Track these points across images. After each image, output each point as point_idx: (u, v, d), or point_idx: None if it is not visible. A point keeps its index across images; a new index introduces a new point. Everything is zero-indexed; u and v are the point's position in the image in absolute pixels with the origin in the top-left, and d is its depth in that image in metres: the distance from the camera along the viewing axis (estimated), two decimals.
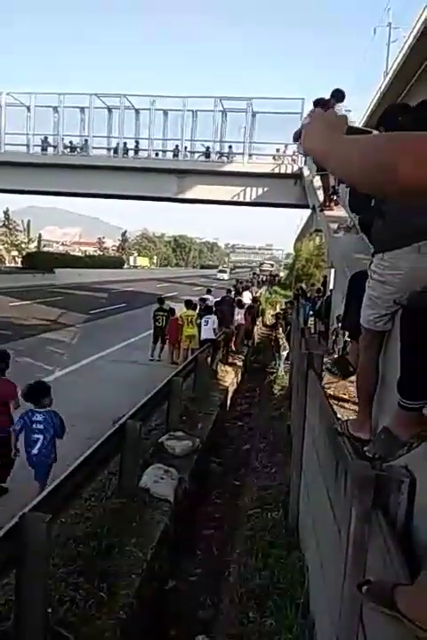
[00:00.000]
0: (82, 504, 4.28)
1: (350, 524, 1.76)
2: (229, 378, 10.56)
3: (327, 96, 7.44)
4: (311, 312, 15.59)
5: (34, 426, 4.57)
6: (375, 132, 1.03)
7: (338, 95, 7.49)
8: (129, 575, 3.56)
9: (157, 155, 21.95)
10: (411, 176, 0.76)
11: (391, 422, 1.97)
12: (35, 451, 4.54)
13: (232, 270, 77.01)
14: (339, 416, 3.65)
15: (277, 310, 20.50)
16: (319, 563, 2.81)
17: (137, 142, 21.97)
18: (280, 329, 12.97)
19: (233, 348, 13.03)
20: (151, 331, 12.04)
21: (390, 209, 2.14)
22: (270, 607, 3.15)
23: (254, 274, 52.80)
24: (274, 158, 20.71)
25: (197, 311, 11.81)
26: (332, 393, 5.66)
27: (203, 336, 10.89)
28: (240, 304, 14.72)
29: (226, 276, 59.46)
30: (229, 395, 9.81)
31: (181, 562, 4.53)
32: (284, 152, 20.67)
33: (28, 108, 21.98)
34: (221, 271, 66.43)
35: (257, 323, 17.78)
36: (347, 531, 1.82)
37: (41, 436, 4.56)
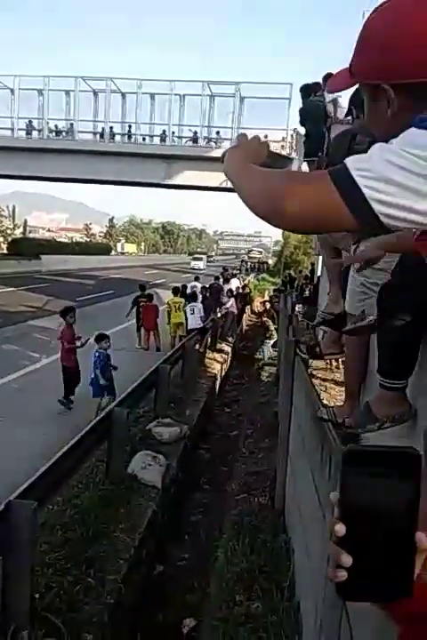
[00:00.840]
0: (69, 491, 4.28)
1: (335, 509, 1.78)
2: (218, 365, 10.58)
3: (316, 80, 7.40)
4: (299, 299, 15.67)
5: (98, 355, 6.69)
6: (295, 159, 1.04)
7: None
8: (117, 561, 3.58)
9: (144, 140, 21.68)
10: (295, 217, 0.80)
11: (373, 399, 1.99)
12: (92, 375, 6.64)
13: (210, 258, 65.82)
14: (325, 402, 3.70)
15: (266, 298, 20.58)
16: (305, 546, 2.85)
17: (130, 127, 21.61)
18: (268, 316, 13.03)
19: (221, 335, 13.03)
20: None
21: None
22: (257, 590, 3.19)
23: (243, 261, 52.68)
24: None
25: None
26: (321, 376, 5.69)
27: (190, 325, 10.88)
28: (231, 292, 14.74)
29: (202, 265, 47.15)
30: (218, 382, 9.85)
31: (168, 547, 4.57)
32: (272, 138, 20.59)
33: (12, 91, 21.52)
34: (195, 259, 51.26)
35: (246, 310, 17.80)
36: (332, 515, 1.84)
37: (100, 366, 6.64)
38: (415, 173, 0.70)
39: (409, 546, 0.53)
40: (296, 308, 10.72)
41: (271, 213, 0.85)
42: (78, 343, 7.23)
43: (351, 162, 0.75)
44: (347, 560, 0.52)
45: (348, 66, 0.98)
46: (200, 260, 50.41)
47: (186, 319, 11.11)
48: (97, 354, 6.68)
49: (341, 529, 0.53)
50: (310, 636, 2.32)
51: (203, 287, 14.07)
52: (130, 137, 21.76)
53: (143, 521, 4.16)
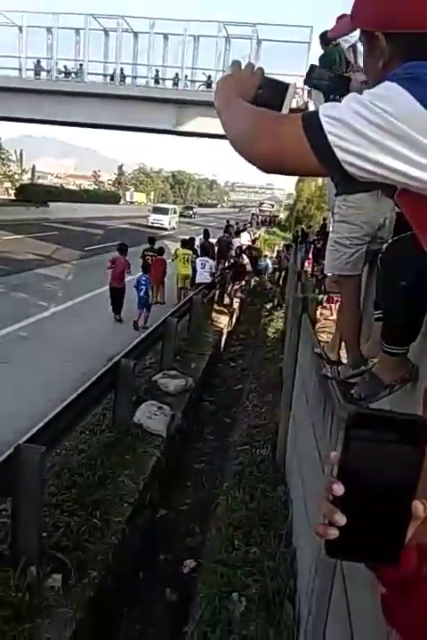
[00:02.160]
0: (77, 437, 4.40)
1: (334, 463, 1.82)
2: (224, 320, 10.61)
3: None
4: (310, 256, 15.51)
5: (142, 281, 9.25)
6: (292, 83, 1.04)
7: None
8: (121, 504, 3.72)
9: (156, 83, 20.93)
10: (265, 157, 0.84)
11: (376, 366, 2.04)
12: (142, 294, 9.14)
13: (189, 211, 52.86)
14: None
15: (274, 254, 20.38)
16: (303, 497, 2.93)
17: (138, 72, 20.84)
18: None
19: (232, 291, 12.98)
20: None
21: None
22: (255, 537, 3.32)
23: (253, 214, 51.71)
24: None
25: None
26: (325, 337, 5.70)
27: (198, 279, 10.83)
28: (241, 249, 14.54)
29: (166, 222, 32.93)
30: (224, 336, 9.90)
31: (171, 493, 4.73)
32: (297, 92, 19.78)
33: (20, 29, 20.69)
34: (157, 211, 35.21)
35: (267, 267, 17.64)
36: (330, 469, 1.88)
37: (144, 288, 9.18)
38: (377, 125, 0.71)
39: (405, 513, 0.53)
40: (305, 265, 10.62)
41: (244, 152, 0.88)
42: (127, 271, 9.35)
43: (323, 108, 0.76)
44: (341, 519, 0.53)
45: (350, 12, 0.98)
46: (165, 213, 34.16)
47: (194, 272, 11.04)
48: (144, 279, 9.37)
49: (339, 489, 0.53)
50: (305, 580, 2.43)
51: (205, 241, 13.11)
52: (135, 78, 21.00)
53: (148, 467, 4.29)
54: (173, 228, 33.13)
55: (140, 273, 9.60)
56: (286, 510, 3.51)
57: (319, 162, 0.77)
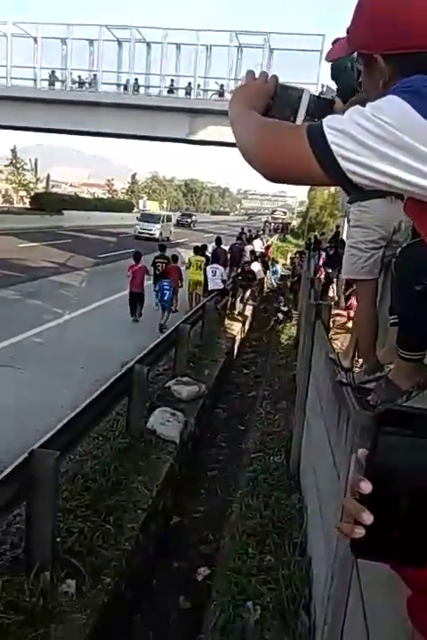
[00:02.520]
0: (90, 442, 4.42)
1: (349, 471, 1.79)
2: (237, 326, 10.60)
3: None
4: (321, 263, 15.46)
5: (165, 286, 9.89)
6: (306, 90, 1.05)
7: None
8: (135, 510, 3.72)
9: (169, 92, 21.14)
10: (270, 166, 0.89)
11: (392, 372, 2.03)
12: (165, 298, 9.84)
13: (188, 219, 47.21)
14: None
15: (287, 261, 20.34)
16: (318, 505, 2.89)
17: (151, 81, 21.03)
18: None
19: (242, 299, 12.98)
20: None
21: None
22: (269, 545, 3.28)
23: (266, 221, 51.68)
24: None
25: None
26: (339, 345, 5.66)
27: (210, 286, 10.84)
28: (254, 255, 14.52)
29: (156, 231, 27.97)
30: (237, 343, 9.88)
31: (185, 500, 4.71)
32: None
33: (35, 40, 21.09)
34: (145, 219, 30.07)
35: (267, 272, 17.63)
36: (346, 476, 1.86)
37: (168, 292, 9.87)
38: (378, 135, 0.74)
39: None
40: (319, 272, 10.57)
41: (251, 161, 0.91)
42: (147, 276, 10.26)
43: (327, 120, 0.80)
44: (368, 518, 0.52)
45: (346, 34, 1.01)
46: (154, 221, 28.99)
47: (206, 279, 11.06)
48: (166, 284, 10.00)
49: (367, 487, 0.52)
50: (321, 588, 2.39)
51: (217, 248, 13.10)
52: (148, 88, 21.22)
53: (161, 474, 4.29)
54: (168, 239, 27.71)
55: (159, 280, 10.33)
56: (301, 518, 3.48)
57: (324, 172, 0.80)
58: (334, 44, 1.09)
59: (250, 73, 1.07)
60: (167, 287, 9.95)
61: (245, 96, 1.02)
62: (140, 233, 27.77)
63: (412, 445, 0.52)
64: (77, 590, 2.87)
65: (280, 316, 11.99)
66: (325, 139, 0.79)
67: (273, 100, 1.04)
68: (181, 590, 3.59)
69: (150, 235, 27.31)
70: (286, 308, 12.35)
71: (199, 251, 11.86)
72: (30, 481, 2.85)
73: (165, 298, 9.88)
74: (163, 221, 29.84)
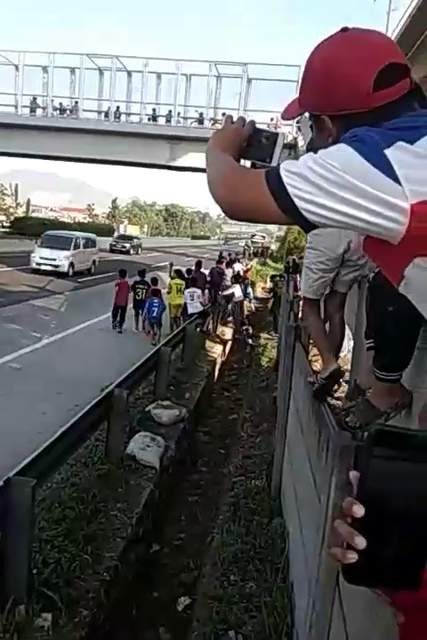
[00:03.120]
0: (68, 469, 4.32)
1: (330, 492, 1.80)
2: (218, 349, 10.60)
3: None
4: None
5: (154, 303, 10.32)
6: (281, 133, 1.14)
7: None
8: (114, 539, 3.63)
9: (149, 120, 21.44)
10: (231, 205, 0.98)
11: (371, 393, 2.07)
12: (155, 315, 10.27)
13: (117, 243, 35.55)
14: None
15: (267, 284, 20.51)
16: (299, 529, 2.87)
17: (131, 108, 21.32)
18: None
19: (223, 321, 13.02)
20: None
21: None
22: (251, 571, 3.24)
23: (246, 245, 52.20)
24: (268, 127, 20.37)
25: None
26: (319, 366, 5.70)
27: (189, 310, 10.87)
28: (237, 278, 14.57)
29: (58, 260, 18.73)
30: (217, 366, 9.87)
31: (165, 527, 4.62)
32: (277, 121, 20.32)
33: (17, 67, 21.25)
34: (49, 240, 19.54)
35: (249, 296, 17.75)
36: (327, 498, 1.86)
37: (156, 309, 10.25)
38: (326, 177, 0.82)
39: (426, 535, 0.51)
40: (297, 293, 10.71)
41: (216, 198, 1.00)
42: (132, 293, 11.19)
43: (283, 165, 0.89)
44: (361, 542, 0.51)
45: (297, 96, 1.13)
46: (63, 246, 19.41)
47: (185, 304, 11.10)
48: (156, 302, 10.39)
49: (359, 511, 0.51)
50: (303, 614, 2.36)
51: (196, 272, 13.05)
52: (129, 115, 21.49)
53: (141, 500, 4.21)
54: (89, 271, 20.12)
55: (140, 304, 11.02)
56: (283, 543, 3.44)
57: (282, 211, 0.87)
58: (291, 104, 1.18)
59: (228, 117, 1.15)
60: (156, 304, 10.38)
61: (222, 139, 1.11)
62: (38, 265, 18.52)
63: (405, 467, 0.51)
64: (54, 624, 2.77)
65: (250, 340, 12.17)
66: (281, 181, 0.86)
67: (250, 143, 1.11)
68: (161, 621, 3.50)
69: (54, 268, 18.38)
70: (252, 335, 12.61)
71: (180, 274, 11.91)
72: (5, 510, 2.76)
73: (155, 314, 10.31)
74: (76, 247, 19.68)
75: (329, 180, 0.82)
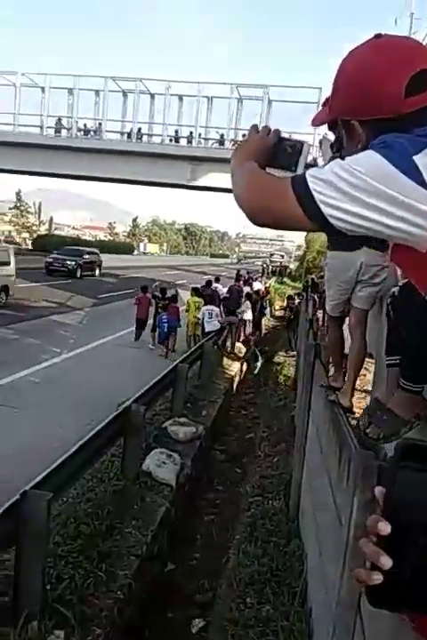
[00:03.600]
0: (84, 484, 4.30)
1: (352, 513, 1.74)
2: (235, 367, 10.55)
3: None
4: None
5: (163, 319, 10.84)
6: (306, 143, 1.13)
7: None
8: (128, 556, 3.58)
9: (171, 141, 21.83)
10: (257, 211, 0.98)
11: (392, 403, 2.06)
12: (164, 330, 10.84)
13: (53, 263, 23.44)
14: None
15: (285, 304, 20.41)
16: (318, 551, 2.79)
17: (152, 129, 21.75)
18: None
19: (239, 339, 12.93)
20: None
21: None
22: (268, 594, 3.14)
23: (265, 264, 52.28)
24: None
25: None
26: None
27: (207, 328, 10.86)
28: (249, 296, 14.51)
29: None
30: (235, 384, 9.81)
31: (180, 546, 4.55)
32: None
33: (43, 90, 21.94)
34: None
35: (265, 313, 17.69)
36: (348, 519, 1.80)
37: (165, 324, 10.74)
38: (353, 184, 0.82)
39: None
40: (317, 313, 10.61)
41: (241, 206, 1.00)
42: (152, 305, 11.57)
43: (310, 172, 0.89)
44: (386, 562, 0.48)
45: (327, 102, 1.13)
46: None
47: (203, 322, 11.10)
48: (164, 317, 10.85)
49: (385, 528, 0.48)
50: None
51: (208, 289, 13.14)
52: (150, 137, 21.89)
53: (156, 518, 4.15)
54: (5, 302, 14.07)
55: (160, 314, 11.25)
56: (301, 565, 3.34)
57: (307, 217, 0.87)
58: (324, 105, 1.17)
59: (253, 127, 1.15)
60: (165, 320, 10.86)
61: (247, 149, 1.11)
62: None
63: None
64: None
65: (258, 364, 11.89)
66: (307, 187, 0.86)
67: (275, 152, 1.10)
68: None
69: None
70: (260, 356, 12.34)
71: (197, 292, 11.96)
72: (20, 523, 2.75)
73: (164, 330, 10.84)
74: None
75: (355, 186, 0.82)
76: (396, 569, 0.48)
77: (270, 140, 1.11)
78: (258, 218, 0.99)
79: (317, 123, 1.17)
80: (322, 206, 0.85)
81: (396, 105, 0.94)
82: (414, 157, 0.80)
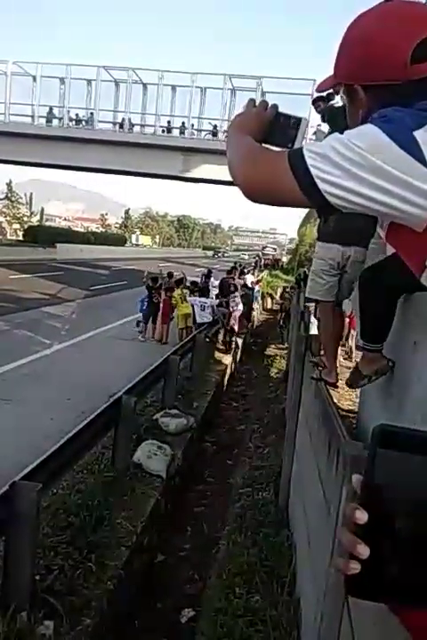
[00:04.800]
0: (74, 475, 4.29)
1: (341, 503, 1.75)
2: (227, 359, 10.55)
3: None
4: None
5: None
6: (304, 118, 1.10)
7: None
8: (118, 547, 3.58)
9: (163, 131, 21.66)
10: (252, 185, 0.94)
11: (360, 362, 2.42)
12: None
13: None
14: (335, 400, 3.64)
15: (277, 298, 20.45)
16: (307, 542, 2.81)
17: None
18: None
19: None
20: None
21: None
22: (257, 584, 3.16)
23: (257, 256, 52.21)
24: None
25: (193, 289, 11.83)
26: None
27: (199, 319, 10.85)
28: (235, 287, 14.40)
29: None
30: (226, 376, 9.82)
31: (170, 537, 4.56)
32: None
33: (34, 78, 21.64)
34: None
35: (257, 306, 17.71)
36: (336, 509, 1.81)
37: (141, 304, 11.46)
38: (350, 159, 0.79)
39: None
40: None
41: (236, 178, 0.96)
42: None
43: (307, 146, 0.86)
44: (364, 551, 0.47)
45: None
46: None
47: (194, 312, 11.09)
48: (143, 297, 11.52)
49: (362, 516, 0.48)
50: (310, 630, 2.29)
51: (205, 282, 13.47)
52: (143, 127, 21.72)
53: (146, 509, 4.16)
54: None
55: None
56: (290, 556, 3.37)
57: (304, 193, 0.84)
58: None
59: (251, 101, 1.11)
60: (142, 299, 11.61)
61: (244, 122, 1.07)
62: None
63: (411, 467, 0.47)
64: (55, 632, 2.72)
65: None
66: (304, 162, 0.83)
67: (272, 128, 1.07)
68: (164, 633, 3.43)
69: None
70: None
71: (180, 283, 11.96)
72: (10, 514, 2.74)
73: (141, 309, 11.64)
74: None
75: (353, 162, 0.80)
76: (374, 558, 0.47)
77: (268, 115, 1.08)
78: (254, 193, 0.95)
79: (323, 87, 1.14)
80: (319, 182, 0.82)
81: (401, 71, 0.91)
82: (415, 133, 0.78)
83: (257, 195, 0.95)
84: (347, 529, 0.49)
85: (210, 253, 78.18)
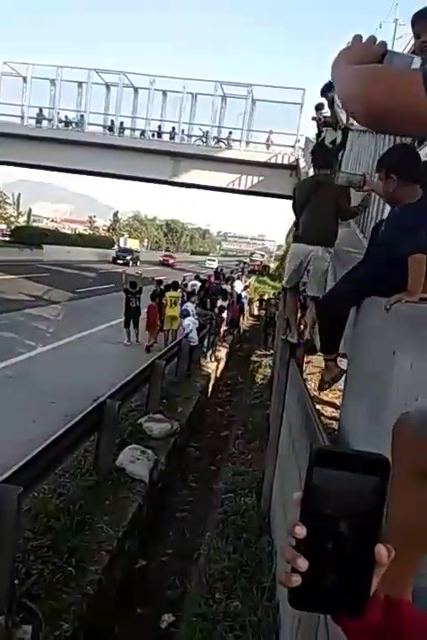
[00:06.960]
0: (56, 479, 4.26)
1: (297, 510, 1.77)
2: (213, 364, 10.57)
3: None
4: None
5: None
6: (417, 58, 1.04)
7: None
8: (99, 552, 3.56)
9: (153, 136, 21.65)
10: (378, 104, 0.85)
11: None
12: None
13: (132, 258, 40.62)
14: (318, 407, 3.69)
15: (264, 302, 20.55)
16: None
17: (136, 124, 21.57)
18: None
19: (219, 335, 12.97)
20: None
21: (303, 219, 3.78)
22: (237, 590, 3.18)
23: (244, 263, 52.42)
24: (267, 147, 20.56)
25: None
26: (313, 385, 5.69)
27: (185, 323, 10.82)
28: (225, 294, 14.42)
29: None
30: (212, 381, 9.83)
31: (151, 542, 4.55)
32: (272, 142, 20.51)
33: (25, 79, 21.49)
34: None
35: (244, 312, 17.80)
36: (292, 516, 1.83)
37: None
38: None
39: (370, 559, 0.50)
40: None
41: (355, 100, 0.89)
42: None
43: None
44: (303, 564, 0.50)
45: None
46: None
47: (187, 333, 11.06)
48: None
49: (301, 531, 0.50)
50: (287, 635, 2.31)
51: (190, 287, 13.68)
52: (133, 131, 21.75)
53: (128, 514, 4.14)
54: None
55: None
56: (270, 561, 3.39)
57: None
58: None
59: (357, 36, 1.05)
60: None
61: (352, 55, 1.00)
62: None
63: (345, 485, 0.50)
64: (33, 636, 2.70)
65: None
66: None
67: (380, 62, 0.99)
68: (143, 638, 3.42)
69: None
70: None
71: (175, 287, 11.93)
72: None
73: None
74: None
75: None
76: (313, 571, 0.50)
77: (376, 50, 1.00)
78: (382, 116, 0.87)
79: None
80: None
81: None
82: None
83: (386, 119, 0.88)
84: (288, 544, 0.51)
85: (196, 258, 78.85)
